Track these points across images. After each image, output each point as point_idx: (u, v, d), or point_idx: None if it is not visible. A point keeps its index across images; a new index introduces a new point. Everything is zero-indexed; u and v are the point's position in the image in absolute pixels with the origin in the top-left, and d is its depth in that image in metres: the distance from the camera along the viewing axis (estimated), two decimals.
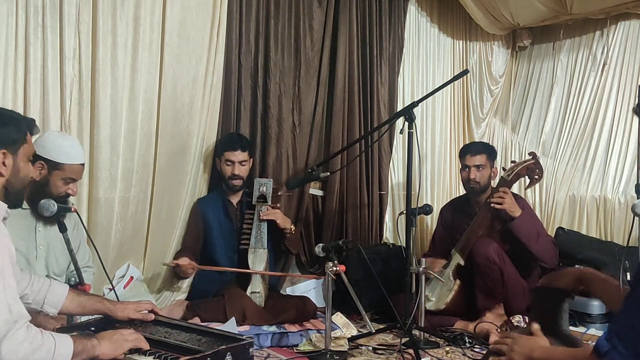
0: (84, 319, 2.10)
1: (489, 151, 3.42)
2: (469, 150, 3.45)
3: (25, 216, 2.37)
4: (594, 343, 1.35)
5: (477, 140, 4.62)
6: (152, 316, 2.02)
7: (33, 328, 1.50)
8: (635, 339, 1.25)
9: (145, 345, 1.76)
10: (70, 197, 2.46)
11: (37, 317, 1.91)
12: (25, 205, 2.33)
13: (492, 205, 3.16)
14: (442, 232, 3.63)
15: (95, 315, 2.04)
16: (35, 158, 2.26)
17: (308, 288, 3.71)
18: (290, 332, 2.92)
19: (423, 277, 2.96)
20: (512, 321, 3.06)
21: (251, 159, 3.42)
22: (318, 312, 3.21)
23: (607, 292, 1.68)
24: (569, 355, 1.43)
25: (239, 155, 3.28)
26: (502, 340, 1.62)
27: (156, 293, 3.26)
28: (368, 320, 2.58)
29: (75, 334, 1.76)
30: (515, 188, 3.55)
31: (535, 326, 1.62)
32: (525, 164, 3.22)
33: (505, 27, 4.65)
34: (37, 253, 2.39)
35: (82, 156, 2.47)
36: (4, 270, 1.48)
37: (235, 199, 3.39)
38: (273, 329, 2.94)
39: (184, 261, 3.07)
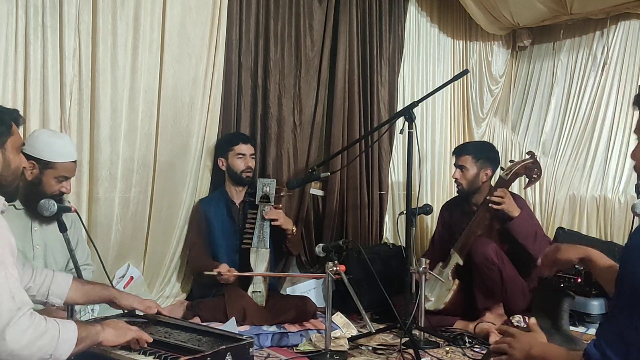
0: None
1: (475, 152, 3.37)
2: (455, 150, 3.51)
3: (20, 216, 2.36)
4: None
5: (477, 139, 4.63)
6: (155, 310, 2.03)
7: (36, 315, 1.51)
8: (624, 345, 1.25)
9: (148, 339, 1.77)
10: (67, 195, 2.45)
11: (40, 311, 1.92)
12: (19, 205, 2.33)
13: (490, 205, 3.17)
14: (441, 232, 3.63)
15: (101, 314, 2.05)
16: (26, 158, 2.26)
17: (308, 288, 3.71)
18: (290, 332, 2.93)
19: (423, 277, 2.96)
20: (512, 321, 3.06)
21: None
22: (318, 312, 3.22)
23: (608, 278, 1.69)
24: (562, 357, 1.43)
25: (250, 149, 3.37)
26: (502, 339, 1.63)
27: (157, 292, 3.26)
28: (368, 320, 2.58)
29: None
30: (514, 187, 3.55)
31: (532, 320, 1.63)
32: (523, 163, 3.22)
33: (505, 27, 4.65)
34: (34, 253, 2.39)
35: (74, 153, 2.46)
36: (5, 260, 1.50)
37: (237, 199, 3.40)
38: (273, 329, 2.94)
39: (224, 268, 3.04)
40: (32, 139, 2.37)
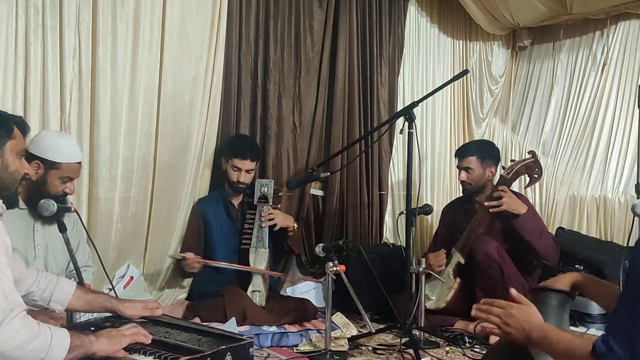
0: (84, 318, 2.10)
1: (479, 152, 3.39)
2: (458, 152, 3.49)
3: (23, 216, 2.37)
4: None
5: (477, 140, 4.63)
6: (160, 312, 2.03)
7: (29, 318, 1.52)
8: (630, 340, 1.25)
9: (146, 339, 1.76)
10: (69, 196, 2.46)
11: (37, 317, 1.92)
12: (22, 205, 2.34)
13: (489, 210, 3.16)
14: (444, 231, 3.63)
15: (100, 314, 2.05)
16: (32, 158, 2.26)
17: (308, 288, 3.71)
18: (290, 332, 2.93)
19: (423, 277, 2.96)
20: None
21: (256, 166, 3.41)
22: (318, 312, 3.22)
23: (602, 294, 1.68)
24: (566, 344, 1.43)
25: (247, 164, 3.27)
26: (492, 309, 1.60)
27: (157, 292, 3.26)
28: (368, 320, 2.58)
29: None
30: (515, 187, 3.55)
31: (513, 291, 1.60)
32: (524, 163, 3.22)
33: (505, 27, 4.65)
34: (36, 253, 2.39)
35: (79, 155, 2.47)
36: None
37: (236, 200, 3.39)
38: (273, 329, 2.95)
39: (190, 255, 3.07)
40: (38, 139, 2.38)
